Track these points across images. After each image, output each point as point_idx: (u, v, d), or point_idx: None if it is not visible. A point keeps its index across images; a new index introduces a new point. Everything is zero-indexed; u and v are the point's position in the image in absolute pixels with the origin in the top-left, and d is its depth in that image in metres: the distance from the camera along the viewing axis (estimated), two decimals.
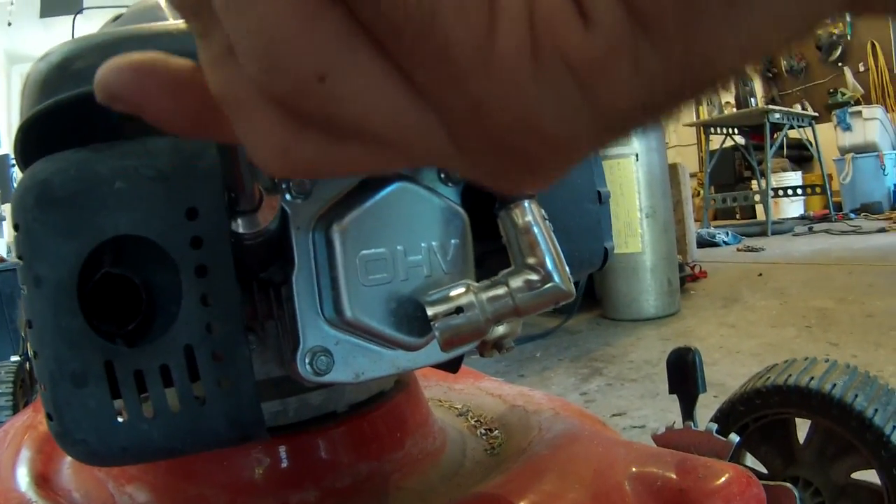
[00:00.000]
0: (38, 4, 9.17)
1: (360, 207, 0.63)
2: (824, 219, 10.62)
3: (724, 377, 2.96)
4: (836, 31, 12.96)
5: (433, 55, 0.25)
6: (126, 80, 0.33)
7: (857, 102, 12.50)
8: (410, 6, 0.24)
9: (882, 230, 8.54)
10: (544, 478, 0.82)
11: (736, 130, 11.10)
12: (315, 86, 0.26)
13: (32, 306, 0.58)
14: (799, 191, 11.36)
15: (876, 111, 11.62)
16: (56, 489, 0.90)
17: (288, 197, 0.62)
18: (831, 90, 13.25)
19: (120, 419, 0.59)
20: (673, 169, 5.73)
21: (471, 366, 1.26)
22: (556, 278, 0.60)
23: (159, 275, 0.60)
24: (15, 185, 0.61)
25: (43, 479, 0.92)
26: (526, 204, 0.63)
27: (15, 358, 3.06)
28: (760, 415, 1.38)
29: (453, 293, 0.58)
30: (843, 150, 11.60)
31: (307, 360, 0.63)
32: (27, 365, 2.86)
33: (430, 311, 0.57)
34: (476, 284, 0.59)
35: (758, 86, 14.28)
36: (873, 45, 12.61)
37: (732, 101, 14.09)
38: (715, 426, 1.03)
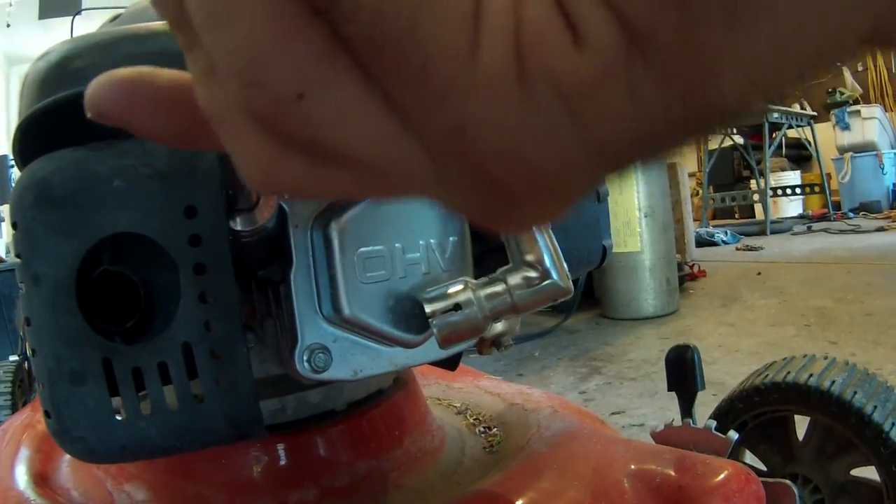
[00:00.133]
0: (36, 6, 9.18)
1: (359, 205, 0.63)
2: (823, 218, 10.63)
3: (724, 376, 2.96)
4: None
5: (413, 73, 0.24)
6: (113, 95, 0.33)
7: (856, 102, 12.51)
8: (389, 20, 0.23)
9: (881, 229, 8.55)
10: (543, 476, 0.82)
11: (734, 130, 11.09)
12: (294, 104, 0.26)
13: (31, 304, 0.58)
14: (798, 190, 11.38)
15: (874, 110, 11.63)
16: (55, 488, 0.90)
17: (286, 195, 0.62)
18: (830, 89, 13.25)
19: (119, 417, 0.59)
20: (671, 168, 5.74)
21: (470, 365, 1.26)
22: (555, 275, 0.60)
23: (158, 273, 0.60)
24: (13, 185, 0.61)
25: (41, 478, 0.92)
26: None
27: (13, 357, 3.06)
28: (759, 412, 1.38)
29: (451, 290, 0.58)
30: (842, 150, 11.61)
31: (305, 358, 0.63)
32: (26, 364, 2.87)
33: (428, 309, 0.57)
34: (474, 282, 0.59)
35: None
36: None
37: None
38: (714, 423, 1.02)
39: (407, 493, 0.84)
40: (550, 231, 0.63)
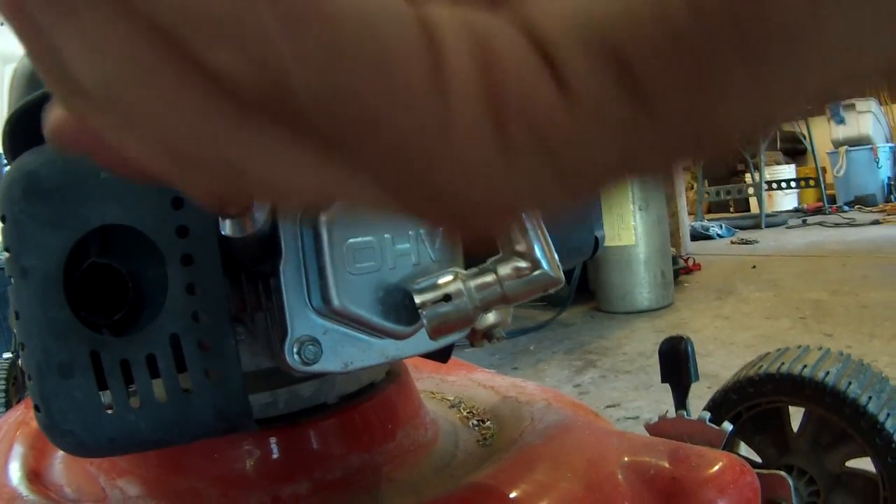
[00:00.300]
0: None
1: None
2: (818, 211, 10.66)
3: (718, 368, 2.97)
4: None
5: (384, 156, 0.22)
6: (70, 135, 0.32)
7: None
8: (347, 121, 0.21)
9: (876, 222, 8.58)
10: (537, 468, 0.82)
11: None
12: (232, 176, 0.24)
13: (19, 298, 0.58)
14: (793, 184, 11.41)
15: (869, 104, 11.64)
16: (47, 484, 0.90)
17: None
18: None
19: (108, 410, 0.59)
20: None
21: (465, 358, 1.26)
22: (545, 265, 0.59)
23: (145, 264, 0.60)
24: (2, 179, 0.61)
25: (35, 475, 0.91)
26: None
27: (7, 355, 3.06)
28: (753, 403, 1.38)
29: (441, 281, 0.58)
30: (837, 143, 11.63)
31: (295, 350, 0.62)
32: (19, 362, 2.86)
33: (417, 299, 0.57)
34: (464, 272, 0.59)
35: None
36: None
37: None
38: (708, 415, 1.02)
39: (400, 487, 0.84)
40: (541, 221, 0.62)
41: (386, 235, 0.64)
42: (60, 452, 0.95)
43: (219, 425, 0.61)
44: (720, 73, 0.21)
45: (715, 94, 0.21)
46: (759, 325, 4.06)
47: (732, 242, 8.27)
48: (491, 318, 0.75)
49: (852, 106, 11.59)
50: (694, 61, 0.21)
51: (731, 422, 1.29)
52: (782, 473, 1.07)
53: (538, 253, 0.59)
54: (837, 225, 8.83)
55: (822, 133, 11.47)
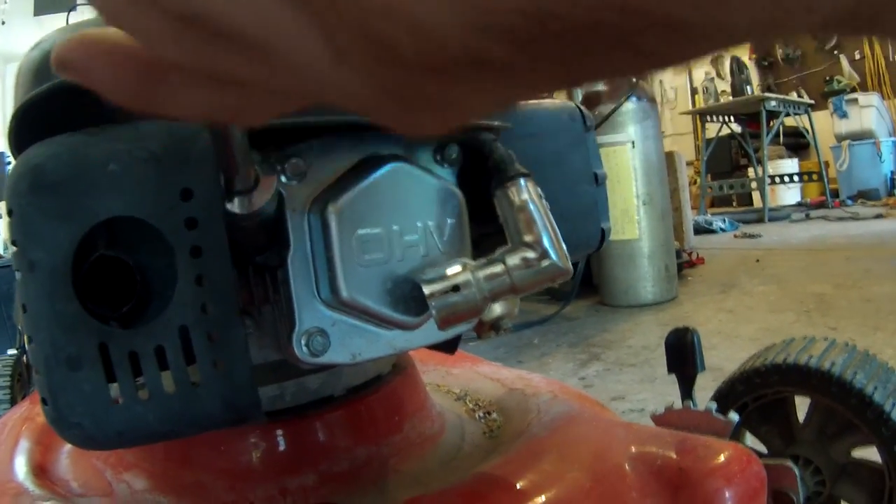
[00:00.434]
0: (31, 3, 9.15)
1: (356, 188, 0.63)
2: (821, 205, 10.65)
3: (723, 361, 2.96)
4: None
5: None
6: (74, 49, 0.34)
7: (854, 90, 12.51)
8: None
9: (879, 216, 8.56)
10: (543, 459, 0.82)
11: (732, 118, 11.12)
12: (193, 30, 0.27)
13: (27, 291, 0.58)
14: (796, 178, 11.39)
15: (872, 98, 11.63)
16: (54, 479, 0.90)
17: (283, 179, 0.62)
18: (827, 78, 13.27)
19: (117, 404, 0.59)
20: (669, 157, 5.74)
21: (470, 352, 1.26)
22: (553, 255, 0.59)
23: (154, 256, 0.60)
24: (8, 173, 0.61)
25: (41, 470, 0.92)
26: (522, 182, 0.63)
27: (12, 351, 3.06)
28: (759, 394, 1.38)
29: (450, 271, 0.58)
30: (840, 138, 11.61)
31: (303, 342, 0.63)
32: (24, 358, 2.86)
33: (426, 290, 0.57)
34: (472, 263, 0.59)
35: (753, 74, 14.28)
36: None
37: (728, 89, 14.10)
38: (714, 405, 1.02)
39: (406, 479, 0.84)
40: (549, 212, 0.62)
41: (394, 227, 0.64)
42: (66, 447, 0.95)
43: (227, 416, 0.61)
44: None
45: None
46: (763, 318, 4.05)
47: (736, 236, 8.26)
48: (498, 309, 0.75)
49: (855, 100, 11.59)
50: None
51: (738, 412, 1.29)
52: (788, 463, 1.07)
53: (546, 243, 0.60)
54: (841, 219, 8.80)
55: (824, 127, 11.46)
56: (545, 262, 0.59)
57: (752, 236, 8.02)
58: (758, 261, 6.14)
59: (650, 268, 4.73)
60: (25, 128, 0.63)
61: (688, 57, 0.25)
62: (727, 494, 0.80)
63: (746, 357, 1.48)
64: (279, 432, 0.81)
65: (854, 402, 1.25)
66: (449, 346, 0.83)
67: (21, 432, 1.01)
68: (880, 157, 11.13)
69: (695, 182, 11.13)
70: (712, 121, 11.10)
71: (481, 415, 1.00)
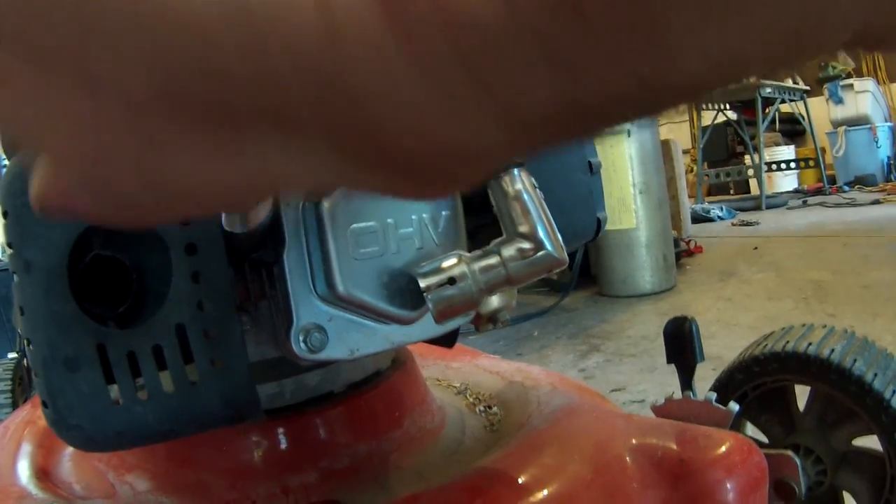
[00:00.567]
0: None
1: None
2: (818, 192, 10.65)
3: (722, 350, 2.96)
4: None
5: (311, 108, 0.22)
6: (50, 203, 0.30)
7: (849, 75, 12.50)
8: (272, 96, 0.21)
9: (876, 202, 8.57)
10: (544, 451, 0.82)
11: (727, 106, 11.11)
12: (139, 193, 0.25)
13: (24, 292, 0.58)
14: (792, 165, 11.40)
15: (867, 84, 11.63)
16: (56, 482, 0.90)
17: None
18: (822, 63, 13.23)
19: (116, 404, 0.59)
20: (665, 145, 5.73)
21: (469, 344, 1.26)
22: (549, 246, 0.59)
23: (149, 255, 0.60)
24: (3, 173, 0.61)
25: (43, 473, 0.91)
26: (516, 172, 0.63)
27: (12, 355, 3.06)
28: (759, 383, 1.38)
29: (445, 264, 0.58)
30: (836, 124, 11.61)
31: (301, 338, 0.62)
32: (25, 361, 2.86)
33: (422, 283, 0.57)
34: (468, 255, 0.59)
35: None
36: None
37: None
38: (714, 395, 1.02)
39: (408, 474, 0.84)
40: (544, 203, 0.62)
41: (389, 220, 0.64)
42: (68, 450, 0.95)
43: (226, 414, 0.61)
44: (674, 13, 0.19)
45: (658, 21, 0.19)
46: (762, 306, 4.06)
47: (733, 224, 8.27)
48: (495, 301, 0.74)
49: (850, 86, 11.59)
50: None
51: (737, 402, 1.29)
52: (789, 453, 1.07)
53: (541, 234, 0.59)
54: (838, 205, 8.81)
55: (820, 113, 11.45)
56: (540, 253, 0.59)
57: (749, 224, 8.02)
58: (756, 248, 6.15)
59: (648, 257, 4.74)
60: None
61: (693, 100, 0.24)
62: (728, 485, 0.80)
63: (746, 345, 1.48)
64: (279, 430, 0.81)
65: (854, 390, 1.25)
66: (447, 340, 0.83)
67: (23, 436, 1.01)
68: (877, 143, 11.13)
69: (691, 170, 11.14)
70: (708, 108, 11.10)
71: (481, 408, 1.00)
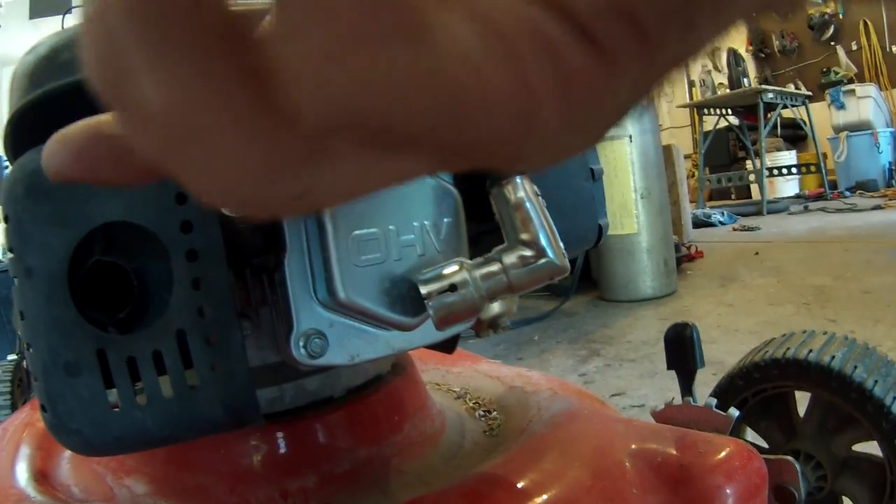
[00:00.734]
0: (27, 6, 9.15)
1: None
2: (819, 197, 10.64)
3: (723, 355, 2.96)
4: (828, 10, 12.97)
5: (475, 149, 0.25)
6: (72, 157, 0.31)
7: (851, 81, 12.51)
8: (449, 139, 0.24)
9: (878, 207, 8.56)
10: (544, 457, 0.82)
11: (729, 111, 11.12)
12: (292, 203, 0.26)
13: (24, 297, 0.58)
14: (794, 170, 11.40)
15: (869, 89, 11.63)
16: (55, 485, 0.90)
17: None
18: (824, 69, 13.27)
19: (116, 409, 0.59)
20: (667, 150, 5.74)
21: (469, 349, 1.26)
22: (550, 253, 0.59)
23: (150, 260, 0.60)
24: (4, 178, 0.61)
25: (42, 475, 0.91)
26: (518, 180, 0.63)
27: (12, 356, 3.06)
28: (759, 389, 1.38)
29: (447, 271, 0.58)
30: (838, 129, 11.61)
31: (301, 344, 0.62)
32: (24, 363, 2.86)
33: (423, 290, 0.57)
34: (469, 262, 0.59)
35: (750, 66, 14.29)
36: (865, 24, 12.63)
37: (725, 81, 14.10)
38: (714, 401, 1.02)
39: (408, 478, 0.84)
40: (545, 210, 0.62)
41: (391, 227, 0.64)
42: (67, 453, 0.95)
43: (226, 420, 0.61)
44: (695, 6, 0.25)
45: (696, 19, 0.25)
46: (763, 311, 4.05)
47: (734, 229, 8.26)
48: (496, 307, 0.74)
49: (852, 91, 11.59)
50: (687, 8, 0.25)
51: (738, 407, 1.29)
52: (789, 458, 1.07)
53: (543, 241, 0.60)
54: (839, 210, 8.81)
55: (822, 119, 11.45)
56: (542, 261, 0.59)
57: (750, 229, 8.02)
58: (757, 253, 6.15)
59: (649, 262, 4.74)
60: (21, 132, 0.63)
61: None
62: (728, 490, 0.80)
63: (746, 351, 1.48)
64: (279, 434, 0.81)
65: (854, 396, 1.25)
66: (447, 346, 0.83)
67: (22, 438, 1.01)
68: (878, 148, 11.13)
69: (693, 175, 11.13)
70: (710, 114, 11.11)
71: (481, 413, 1.00)
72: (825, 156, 11.24)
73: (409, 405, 0.90)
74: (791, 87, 11.49)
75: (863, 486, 1.33)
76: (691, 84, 14.69)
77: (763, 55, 14.33)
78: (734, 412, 1.00)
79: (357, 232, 0.62)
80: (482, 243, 0.71)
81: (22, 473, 0.91)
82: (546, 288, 4.91)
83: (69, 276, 0.57)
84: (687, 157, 10.17)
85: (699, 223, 8.46)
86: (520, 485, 0.77)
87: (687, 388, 1.18)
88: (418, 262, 0.65)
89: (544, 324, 4.34)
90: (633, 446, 0.84)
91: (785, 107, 10.52)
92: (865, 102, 11.45)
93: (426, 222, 0.66)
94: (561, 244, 0.61)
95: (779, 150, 11.83)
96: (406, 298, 0.64)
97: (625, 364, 3.29)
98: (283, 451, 0.81)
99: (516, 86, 0.23)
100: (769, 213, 9.56)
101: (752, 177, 10.73)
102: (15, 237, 0.57)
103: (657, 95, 0.28)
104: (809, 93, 11.46)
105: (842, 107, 11.64)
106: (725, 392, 1.41)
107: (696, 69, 14.41)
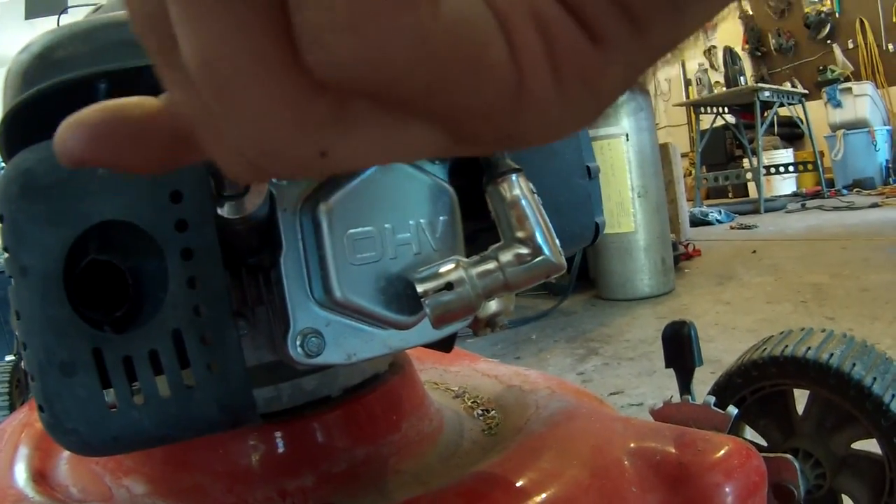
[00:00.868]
0: (22, 6, 9.13)
1: (346, 187, 0.63)
2: (817, 195, 10.64)
3: (721, 353, 2.96)
4: (824, 8, 12.98)
5: (469, 118, 0.26)
6: (89, 141, 0.30)
7: (847, 79, 12.50)
8: (445, 102, 0.25)
9: (875, 205, 8.56)
10: (542, 456, 0.82)
11: (726, 109, 11.11)
12: (316, 161, 0.26)
13: (19, 297, 0.57)
14: (791, 168, 11.38)
15: (866, 87, 11.62)
16: (53, 485, 0.90)
17: (273, 179, 0.61)
18: (821, 67, 13.26)
19: (113, 409, 0.59)
20: (664, 149, 5.73)
21: (467, 348, 1.26)
22: (546, 251, 0.59)
23: (145, 259, 0.60)
24: None
25: (40, 476, 0.91)
26: (514, 178, 0.63)
27: (10, 357, 3.05)
28: (758, 387, 1.37)
29: (443, 269, 0.58)
30: (834, 127, 11.60)
31: (298, 343, 0.62)
32: (22, 364, 2.85)
33: (419, 288, 0.57)
34: (466, 260, 0.59)
35: (747, 64, 14.28)
36: (862, 22, 12.62)
37: (722, 80, 14.10)
38: (713, 399, 1.02)
39: (406, 477, 0.83)
40: (542, 208, 0.62)
41: (386, 225, 0.64)
42: (65, 453, 0.95)
43: (223, 419, 0.61)
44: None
45: (685, 4, 0.27)
46: (761, 309, 4.05)
47: (732, 227, 8.26)
48: (493, 306, 0.74)
49: (849, 90, 11.59)
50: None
51: (736, 406, 1.28)
52: (788, 456, 1.07)
53: (539, 239, 0.59)
54: (836, 208, 8.80)
55: (819, 117, 11.45)
56: (538, 259, 0.59)
57: (748, 227, 8.02)
58: (754, 252, 6.15)
59: (647, 261, 4.73)
60: (15, 132, 0.63)
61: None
62: (727, 489, 0.80)
63: (744, 349, 1.47)
64: (277, 434, 0.81)
65: (853, 394, 1.24)
66: (445, 345, 0.83)
67: (20, 438, 1.01)
68: (875, 146, 11.13)
69: (690, 174, 11.13)
70: (706, 112, 11.11)
71: (480, 412, 1.00)
72: (822, 154, 11.24)
73: (406, 404, 0.90)
74: (788, 86, 11.49)
75: (862, 483, 1.32)
76: (688, 82, 14.69)
77: (759, 53, 14.32)
78: (733, 410, 1.00)
79: (353, 230, 0.62)
80: (478, 241, 0.71)
81: (20, 474, 0.91)
82: (543, 287, 4.91)
83: (64, 275, 0.57)
84: (684, 155, 10.16)
85: (696, 221, 8.46)
86: (518, 484, 0.77)
87: (685, 386, 1.18)
88: (414, 261, 0.65)
89: (542, 323, 4.34)
90: (632, 445, 0.84)
91: (782, 105, 10.52)
92: (862, 100, 11.45)
93: (422, 220, 0.66)
94: (557, 242, 0.61)
95: (776, 148, 11.82)
96: (402, 297, 0.64)
97: (623, 363, 3.28)
98: (280, 450, 0.81)
99: (504, 55, 0.25)
100: (766, 211, 9.55)
101: (749, 175, 10.73)
102: (10, 236, 0.57)
103: (650, 79, 0.30)
104: (806, 91, 11.47)
105: (838, 105, 11.64)
106: (724, 390, 1.41)
107: (693, 68, 14.43)
